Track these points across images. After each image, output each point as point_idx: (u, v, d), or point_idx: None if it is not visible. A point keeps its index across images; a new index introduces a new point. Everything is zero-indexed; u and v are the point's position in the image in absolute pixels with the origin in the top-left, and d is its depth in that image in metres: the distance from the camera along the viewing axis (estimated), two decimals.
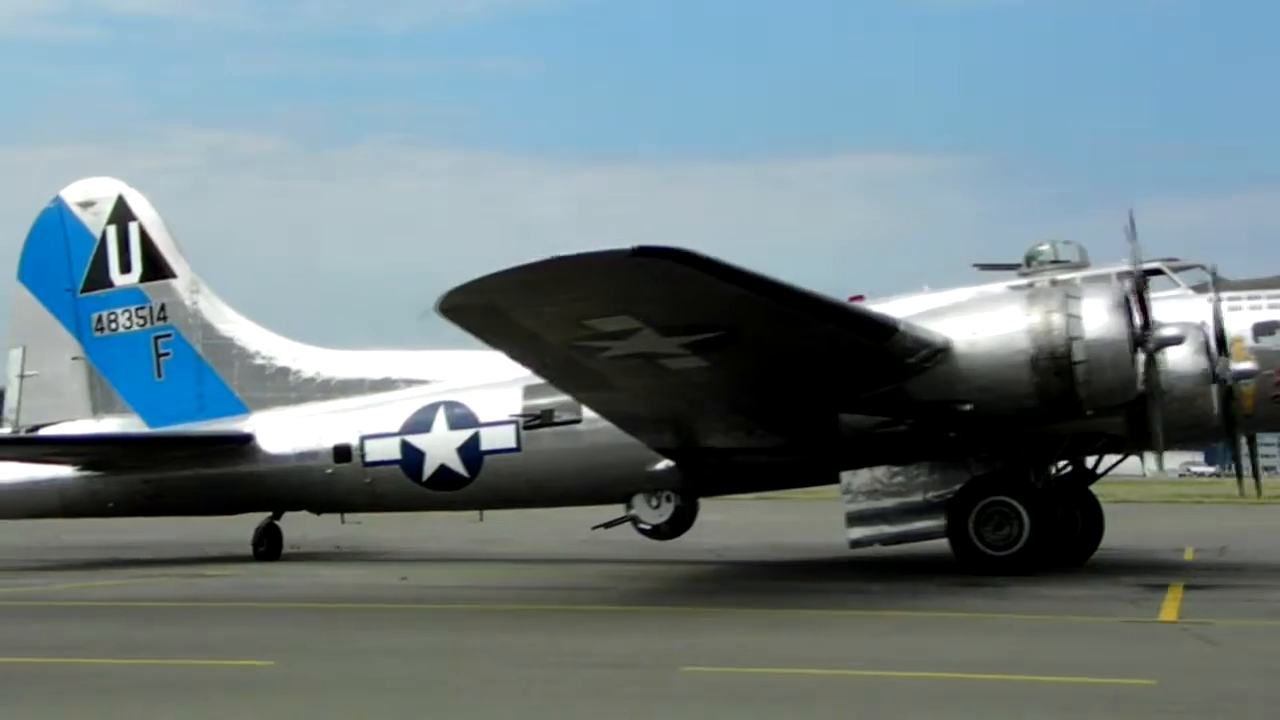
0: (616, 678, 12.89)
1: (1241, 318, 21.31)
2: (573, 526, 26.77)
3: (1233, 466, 25.83)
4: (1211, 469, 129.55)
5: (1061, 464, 23.82)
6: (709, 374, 19.86)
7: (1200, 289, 21.39)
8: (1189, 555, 25.39)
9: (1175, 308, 20.94)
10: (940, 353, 20.26)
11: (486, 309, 18.01)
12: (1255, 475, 23.25)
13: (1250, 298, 21.60)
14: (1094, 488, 25.14)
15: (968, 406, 20.43)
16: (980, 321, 20.51)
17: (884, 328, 20.07)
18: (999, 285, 21.98)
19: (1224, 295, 21.25)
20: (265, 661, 13.74)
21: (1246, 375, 20.88)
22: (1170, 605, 18.05)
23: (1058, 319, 19.79)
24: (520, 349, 20.05)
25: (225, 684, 12.66)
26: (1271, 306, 21.66)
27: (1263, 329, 21.40)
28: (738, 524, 32.42)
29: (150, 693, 12.21)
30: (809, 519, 24.63)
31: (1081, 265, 21.99)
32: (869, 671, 12.94)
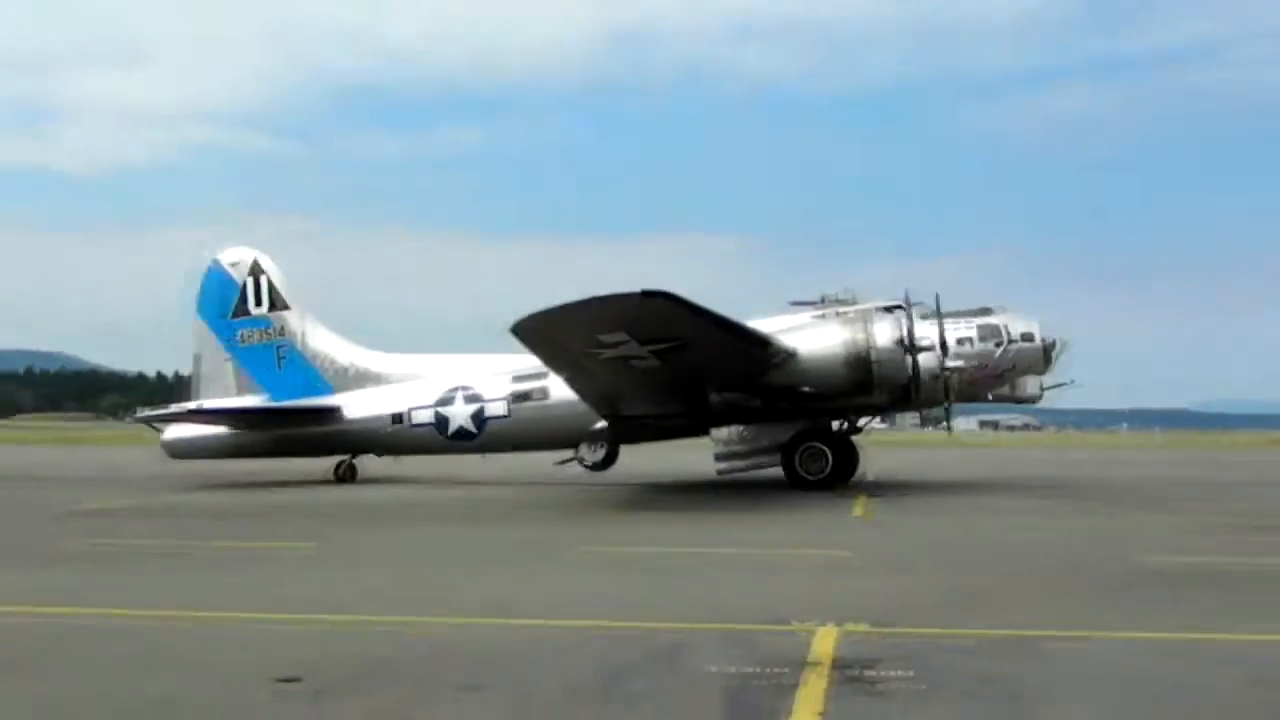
0: (537, 553, 15.29)
1: (951, 334, 25.61)
2: (542, 462, 30.41)
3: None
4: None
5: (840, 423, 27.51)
6: (659, 370, 23.32)
7: (927, 316, 25.24)
8: (871, 478, 28.67)
9: (919, 329, 24.85)
10: (791, 356, 24.13)
11: (539, 328, 21.71)
12: (948, 424, 28.77)
13: (952, 322, 25.86)
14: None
15: (806, 389, 24.50)
16: (815, 337, 24.63)
17: (764, 340, 23.86)
18: (807, 315, 25.94)
19: (944, 320, 25.51)
20: (309, 544, 16.04)
21: (955, 369, 25.37)
22: (858, 506, 21.69)
23: (861, 335, 24.29)
24: (549, 353, 23.76)
25: (278, 558, 14.90)
26: (966, 327, 26.04)
27: (960, 342, 25.86)
28: (653, 460, 35.32)
29: (228, 564, 14.51)
30: (700, 457, 28.53)
31: (853, 303, 25.89)
32: (687, 549, 15.46)
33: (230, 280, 31.95)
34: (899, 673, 7.70)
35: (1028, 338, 26.30)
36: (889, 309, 25.16)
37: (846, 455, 26.30)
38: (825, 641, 8.66)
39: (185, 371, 35.21)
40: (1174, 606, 10.64)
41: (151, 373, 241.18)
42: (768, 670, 7.76)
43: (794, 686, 7.30)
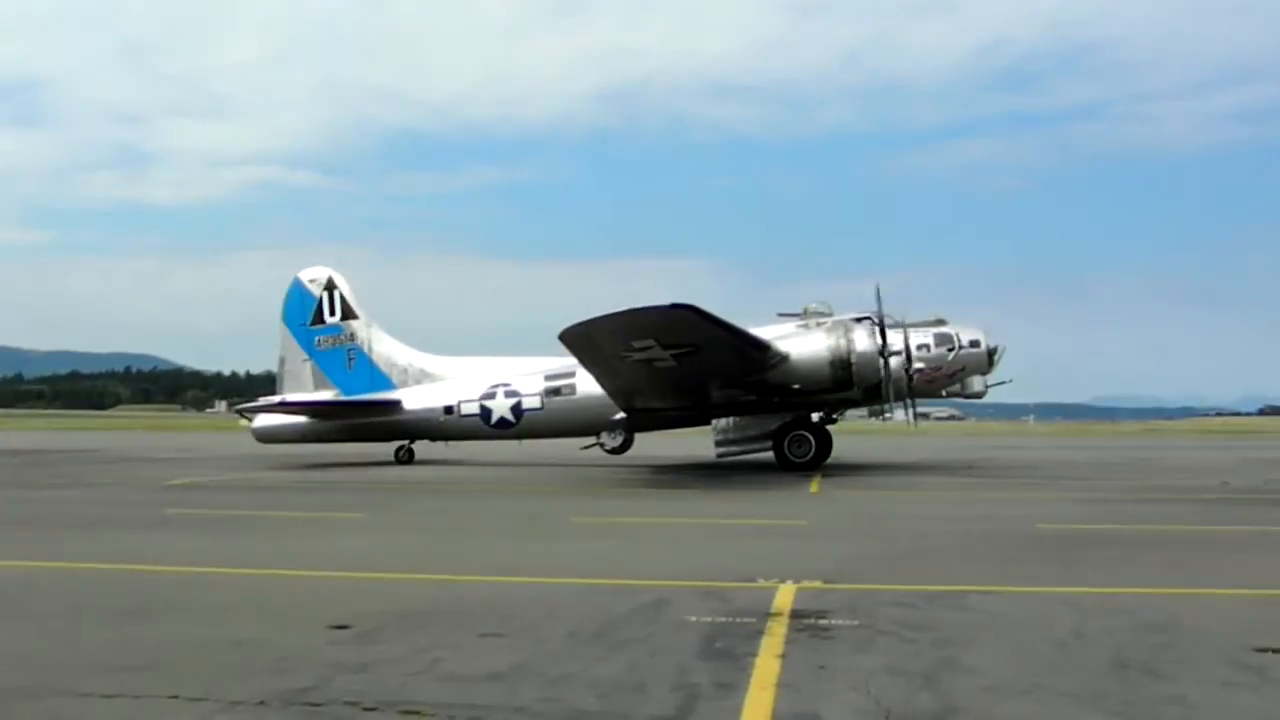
0: (537, 521, 15.25)
1: (913, 341, 25.56)
2: (569, 447, 30.65)
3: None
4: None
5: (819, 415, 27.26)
6: (674, 370, 23.16)
7: (892, 326, 25.14)
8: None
9: (889, 337, 24.73)
10: (784, 358, 24.05)
11: (584, 335, 21.79)
12: (913, 417, 27.94)
13: (913, 331, 25.73)
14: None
15: (796, 386, 24.35)
16: (804, 343, 24.46)
17: (764, 345, 23.77)
18: (792, 324, 25.67)
19: (908, 329, 25.51)
20: (359, 514, 15.99)
21: (917, 371, 25.37)
22: (814, 484, 21.49)
23: (843, 342, 24.12)
24: (587, 354, 23.44)
25: (334, 524, 14.79)
26: (925, 335, 25.94)
27: (920, 347, 25.76)
28: (669, 445, 35.71)
29: (299, 527, 14.63)
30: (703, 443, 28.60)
31: (830, 314, 25.68)
32: (670, 519, 15.34)
33: (309, 294, 32.22)
34: (846, 621, 7.83)
35: (975, 344, 26.46)
36: (859, 319, 25.05)
37: (825, 441, 26.28)
38: (785, 596, 8.79)
39: (255, 370, 35.88)
40: (1071, 565, 10.71)
41: (227, 371, 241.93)
42: (737, 620, 7.88)
43: (759, 633, 7.43)
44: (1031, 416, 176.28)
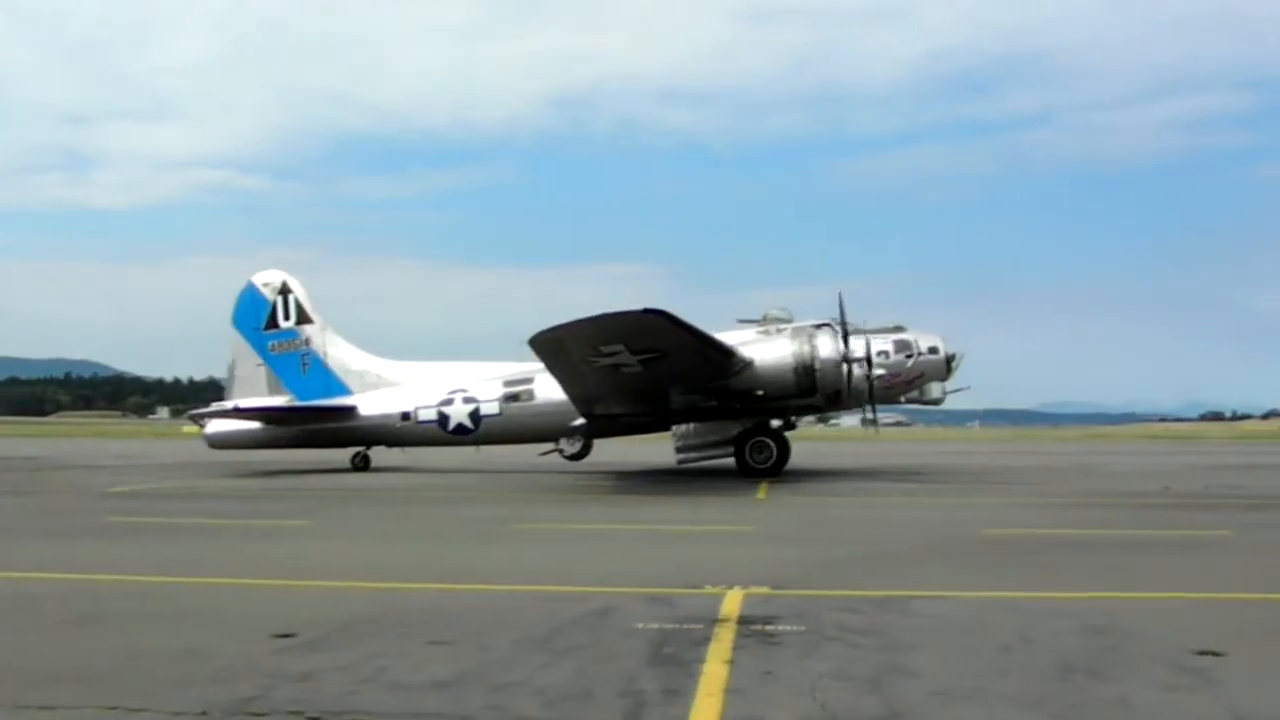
0: (485, 528, 15.12)
1: (873, 348, 25.46)
2: (528, 454, 30.26)
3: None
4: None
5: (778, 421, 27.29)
6: (640, 374, 22.87)
7: (854, 333, 25.02)
8: None
9: (850, 343, 24.62)
10: (749, 364, 23.86)
11: (553, 341, 21.52)
12: (874, 423, 27.78)
13: (873, 337, 25.69)
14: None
15: (760, 393, 24.17)
16: (768, 349, 24.29)
17: (730, 351, 23.60)
18: (752, 330, 25.42)
19: (868, 336, 25.43)
20: (306, 522, 15.89)
21: (877, 377, 25.36)
22: (761, 490, 21.54)
23: (806, 348, 24.02)
24: (554, 360, 23.01)
25: (279, 532, 14.75)
26: (884, 341, 25.93)
27: (879, 354, 25.74)
28: (630, 452, 35.49)
29: (244, 535, 14.46)
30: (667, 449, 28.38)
31: (789, 320, 25.52)
32: (618, 525, 15.37)
33: (262, 298, 31.71)
34: (793, 627, 7.83)
35: (933, 350, 26.48)
36: (819, 326, 25.00)
37: (784, 448, 26.10)
38: (732, 602, 8.78)
39: (199, 376, 35.06)
40: (1016, 570, 10.85)
41: (169, 377, 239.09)
42: (685, 626, 7.86)
43: (707, 639, 7.42)
44: (977, 422, 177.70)
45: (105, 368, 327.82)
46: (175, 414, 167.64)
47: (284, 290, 31.69)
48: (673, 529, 15.03)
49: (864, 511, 18.03)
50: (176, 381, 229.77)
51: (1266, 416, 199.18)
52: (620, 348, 21.81)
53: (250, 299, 31.77)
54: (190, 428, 34.55)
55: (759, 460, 25.34)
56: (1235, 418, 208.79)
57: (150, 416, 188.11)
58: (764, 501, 19.58)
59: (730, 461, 25.78)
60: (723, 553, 12.25)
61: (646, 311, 20.80)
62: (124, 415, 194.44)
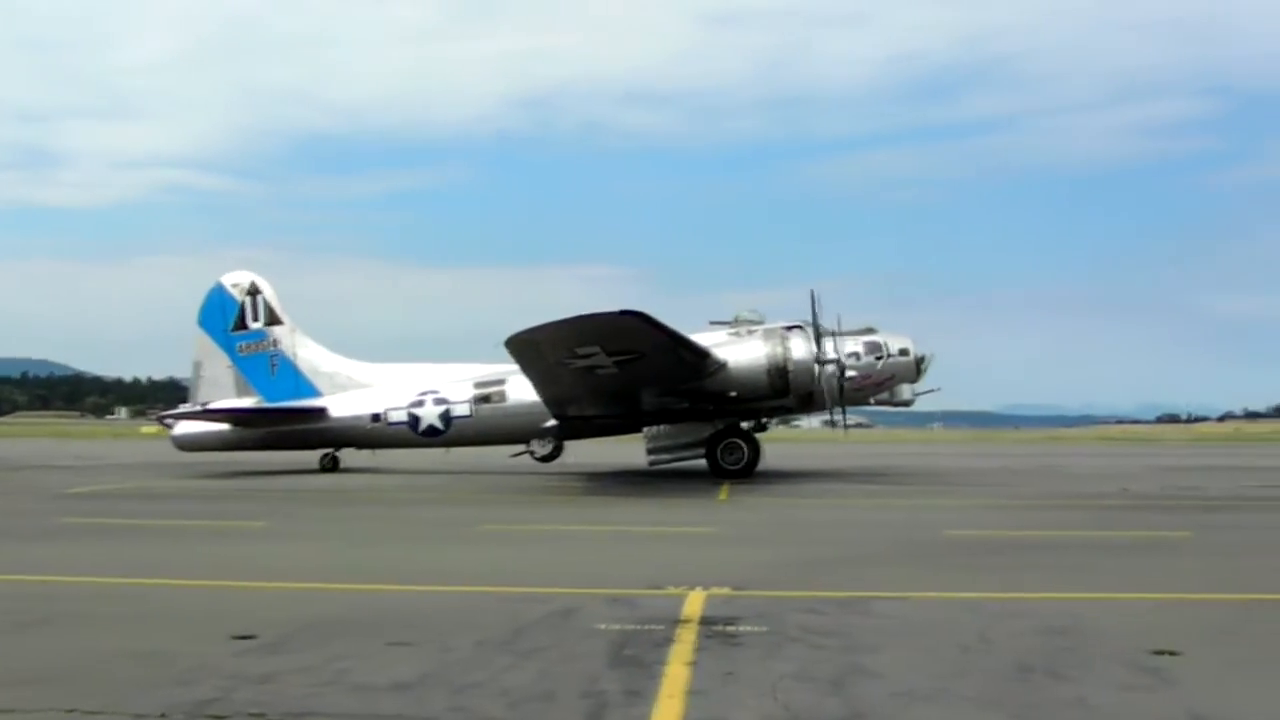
0: (448, 529, 15.22)
1: (844, 350, 25.63)
2: (498, 455, 30.02)
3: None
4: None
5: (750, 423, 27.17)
6: (615, 376, 22.77)
7: (826, 334, 25.17)
8: None
9: (823, 345, 24.82)
10: (723, 366, 23.85)
11: (529, 342, 21.39)
12: (844, 425, 27.85)
13: (844, 339, 25.80)
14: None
15: (734, 394, 24.17)
16: (742, 351, 24.33)
17: (706, 353, 23.56)
18: (723, 332, 25.35)
19: (839, 337, 25.54)
20: (263, 523, 15.83)
21: (849, 379, 25.49)
22: (723, 492, 21.58)
23: (780, 350, 24.08)
24: (529, 361, 22.87)
25: (241, 533, 14.72)
26: (855, 343, 26.10)
27: (850, 355, 25.86)
28: (602, 453, 35.41)
29: (200, 536, 14.40)
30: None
31: (761, 322, 25.51)
32: (580, 526, 15.54)
33: (231, 299, 31.43)
34: (755, 628, 7.84)
35: (904, 352, 26.66)
36: (791, 328, 25.01)
37: (756, 449, 26.08)
38: (694, 603, 8.80)
39: (158, 376, 34.56)
40: (977, 571, 10.91)
41: (128, 377, 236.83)
42: (647, 627, 7.86)
43: (669, 640, 7.43)
44: (939, 424, 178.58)
45: (63, 367, 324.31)
46: (134, 414, 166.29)
47: (253, 291, 31.42)
48: (638, 530, 15.06)
49: (827, 513, 18.07)
50: (136, 381, 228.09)
51: (1222, 419, 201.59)
52: (596, 349, 21.73)
53: (218, 299, 31.47)
54: (149, 428, 34.24)
55: (731, 461, 25.37)
56: (1191, 420, 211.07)
57: (109, 417, 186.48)
58: (726, 503, 19.63)
59: (701, 463, 25.82)
60: (686, 554, 12.25)
61: (624, 313, 20.72)
62: (82, 415, 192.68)
